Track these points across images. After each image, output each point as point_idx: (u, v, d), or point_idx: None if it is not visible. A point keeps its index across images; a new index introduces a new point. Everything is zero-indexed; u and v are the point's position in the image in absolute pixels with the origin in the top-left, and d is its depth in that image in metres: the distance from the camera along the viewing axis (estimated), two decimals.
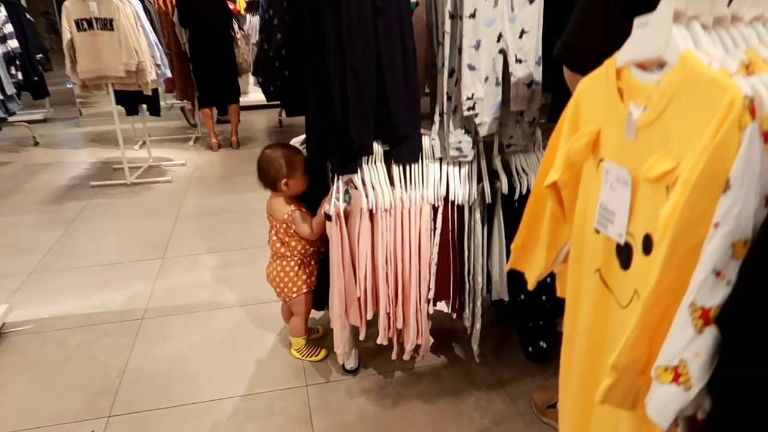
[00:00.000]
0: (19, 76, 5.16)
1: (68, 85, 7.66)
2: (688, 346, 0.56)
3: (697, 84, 0.58)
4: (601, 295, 0.76)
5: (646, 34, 0.66)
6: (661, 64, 0.65)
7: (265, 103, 6.60)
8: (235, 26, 5.44)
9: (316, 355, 2.26)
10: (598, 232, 0.75)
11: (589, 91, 0.77)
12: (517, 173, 1.95)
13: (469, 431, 1.90)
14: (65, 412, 2.03)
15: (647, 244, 0.65)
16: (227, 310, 2.66)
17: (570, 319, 0.86)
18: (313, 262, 2.20)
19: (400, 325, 1.98)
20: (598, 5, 1.09)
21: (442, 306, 2.13)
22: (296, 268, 2.16)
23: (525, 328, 2.13)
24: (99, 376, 2.22)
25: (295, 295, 2.17)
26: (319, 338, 2.40)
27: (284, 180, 2.04)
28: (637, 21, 0.68)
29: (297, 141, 2.22)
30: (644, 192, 0.66)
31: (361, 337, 2.05)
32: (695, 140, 0.56)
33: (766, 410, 0.51)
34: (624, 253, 0.71)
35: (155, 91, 4.74)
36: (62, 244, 3.47)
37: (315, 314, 2.54)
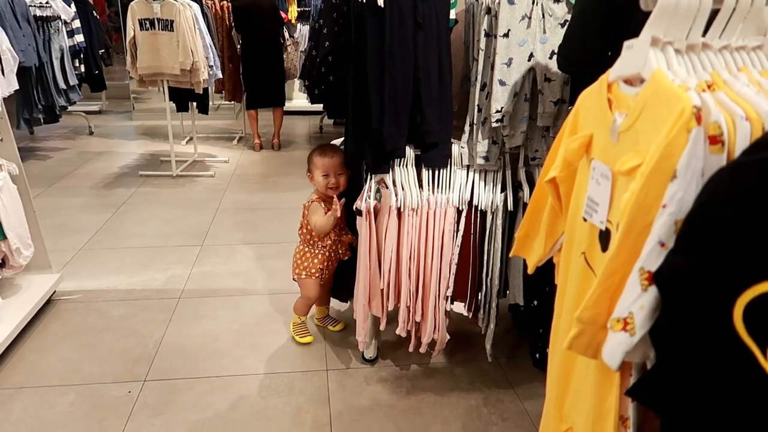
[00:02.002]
0: (82, 68, 5.50)
1: (126, 81, 8.10)
2: (636, 301, 0.68)
3: (661, 96, 0.71)
4: (584, 275, 0.88)
5: (630, 55, 0.79)
6: (641, 80, 0.78)
7: (308, 109, 6.89)
8: (286, 34, 5.69)
9: (302, 337, 2.44)
10: (585, 220, 0.88)
11: (587, 101, 0.90)
12: None
13: (476, 424, 2.01)
14: (105, 374, 2.22)
15: None
16: (258, 297, 2.83)
17: (559, 301, 0.99)
18: (320, 256, 2.30)
19: (418, 319, 2.11)
20: (583, 24, 1.46)
21: (460, 308, 2.24)
22: (301, 252, 2.32)
23: (535, 333, 2.23)
24: (137, 346, 2.40)
25: (295, 277, 2.35)
26: (339, 331, 2.55)
27: (307, 173, 2.29)
28: (626, 44, 0.81)
29: (337, 142, 2.38)
30: (620, 185, 0.79)
31: (382, 327, 2.18)
32: (656, 140, 0.69)
33: (692, 354, 0.63)
34: (604, 238, 0.83)
35: (205, 90, 5.00)
36: (110, 226, 3.71)
37: (341, 306, 2.69)
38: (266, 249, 3.39)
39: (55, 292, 2.73)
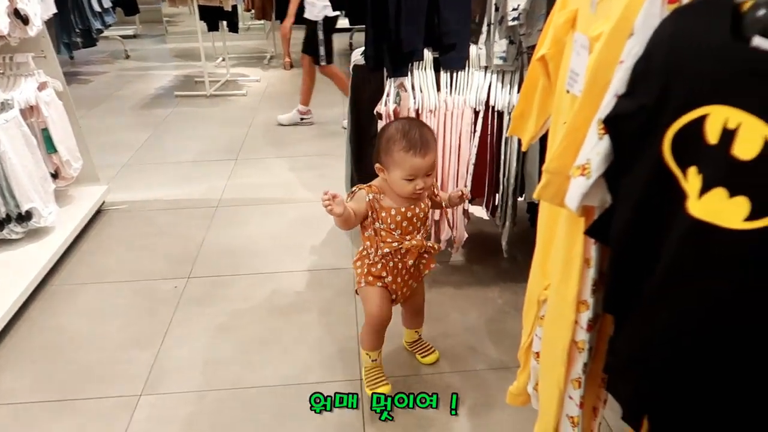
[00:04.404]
0: None
1: (158, 5, 8.12)
2: (593, 149, 0.76)
3: None
4: None
5: None
6: None
7: (337, 27, 6.84)
8: None
9: (374, 387, 1.77)
10: (568, 92, 0.95)
11: None
12: None
13: (491, 312, 2.16)
14: (155, 272, 2.44)
15: None
16: (290, 205, 2.99)
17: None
18: (371, 259, 1.67)
19: (437, 217, 2.22)
20: None
21: (480, 211, 2.34)
22: (360, 253, 1.74)
23: None
24: (182, 248, 2.61)
25: (356, 287, 1.76)
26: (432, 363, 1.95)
27: (377, 164, 1.61)
28: None
29: (358, 51, 2.43)
30: None
31: None
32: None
33: (632, 188, 0.71)
34: None
35: (234, 8, 5.04)
36: (150, 144, 3.89)
37: None
38: (296, 162, 3.52)
39: (104, 202, 2.94)
